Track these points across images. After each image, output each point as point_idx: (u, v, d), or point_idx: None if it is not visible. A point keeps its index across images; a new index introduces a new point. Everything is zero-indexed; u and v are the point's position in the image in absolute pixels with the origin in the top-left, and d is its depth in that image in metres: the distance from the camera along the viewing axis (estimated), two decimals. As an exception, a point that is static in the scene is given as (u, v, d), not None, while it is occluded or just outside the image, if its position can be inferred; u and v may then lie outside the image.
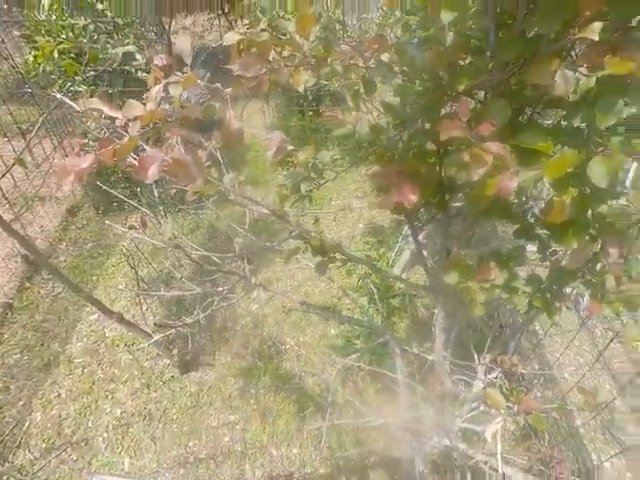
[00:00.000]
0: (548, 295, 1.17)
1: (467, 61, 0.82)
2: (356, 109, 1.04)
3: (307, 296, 3.38)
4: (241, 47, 0.95)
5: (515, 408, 1.03)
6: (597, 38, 0.63)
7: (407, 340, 2.95)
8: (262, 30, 1.09)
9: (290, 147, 1.14)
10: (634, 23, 0.66)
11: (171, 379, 2.78)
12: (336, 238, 3.83)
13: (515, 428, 2.45)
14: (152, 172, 0.54)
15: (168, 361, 2.80)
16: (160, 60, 0.62)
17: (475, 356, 1.74)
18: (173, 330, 1.74)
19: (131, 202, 1.49)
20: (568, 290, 1.26)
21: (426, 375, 2.00)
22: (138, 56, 2.94)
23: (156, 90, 0.59)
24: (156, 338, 1.71)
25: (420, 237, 2.15)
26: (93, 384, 2.76)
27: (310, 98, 4.71)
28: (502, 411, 0.98)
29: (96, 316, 3.10)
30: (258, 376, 2.84)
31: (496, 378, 1.52)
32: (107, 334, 3.03)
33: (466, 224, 1.32)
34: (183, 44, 0.67)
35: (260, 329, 3.16)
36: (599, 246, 0.90)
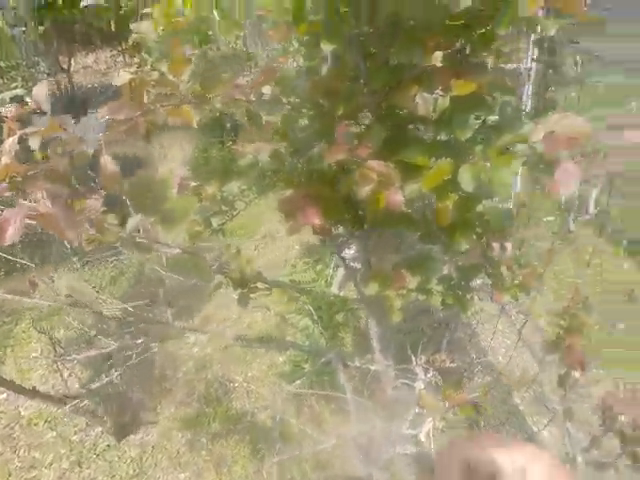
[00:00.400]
0: (459, 291, 1.27)
1: (345, 88, 0.88)
2: (255, 139, 1.06)
3: (250, 327, 3.29)
4: (132, 85, 0.93)
5: (446, 405, 1.09)
6: (440, 64, 0.72)
7: (353, 354, 2.99)
8: (152, 69, 1.08)
9: (194, 183, 1.12)
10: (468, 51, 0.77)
11: (107, 449, 2.49)
12: (268, 265, 3.80)
13: (459, 419, 2.58)
14: (10, 234, 0.49)
15: (100, 429, 2.51)
16: (10, 110, 0.58)
17: (413, 358, 1.81)
18: (96, 394, 1.57)
19: (20, 261, 1.34)
20: (479, 282, 1.38)
21: (372, 386, 2.04)
22: (28, 99, 2.72)
23: (10, 142, 0.54)
24: (70, 405, 1.52)
25: (352, 251, 2.22)
26: (9, 476, 2.36)
27: (229, 127, 4.71)
28: (433, 410, 1.03)
29: (5, 395, 2.69)
30: (207, 423, 2.66)
31: (432, 377, 1.60)
32: (22, 413, 2.64)
33: (380, 237, 1.40)
34: (39, 91, 0.63)
35: (204, 372, 2.98)
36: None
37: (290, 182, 1.01)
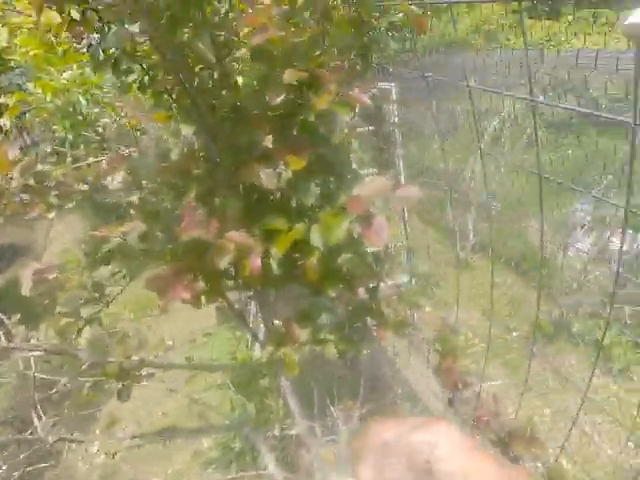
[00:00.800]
0: (350, 336, 1.34)
1: (200, 168, 0.94)
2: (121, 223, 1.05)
3: (165, 415, 2.95)
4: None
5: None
6: (271, 145, 0.83)
7: (284, 418, 2.85)
8: None
9: (56, 273, 1.05)
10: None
11: None
12: (175, 341, 3.55)
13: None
14: None
15: None
16: None
17: (332, 410, 1.80)
18: None
19: None
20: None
21: (298, 450, 1.95)
22: None
23: None
24: None
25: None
26: None
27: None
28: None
29: None
30: None
31: (352, 425, 1.60)
32: None
33: (270, 294, 1.43)
34: None
35: (114, 482, 2.55)
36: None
37: (161, 260, 1.01)
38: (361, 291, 1.06)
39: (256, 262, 0.85)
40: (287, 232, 0.92)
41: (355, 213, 0.71)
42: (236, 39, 0.78)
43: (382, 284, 1.25)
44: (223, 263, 0.82)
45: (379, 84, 3.36)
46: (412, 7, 0.88)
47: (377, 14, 0.93)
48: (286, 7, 1.04)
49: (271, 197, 1.00)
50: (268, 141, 0.83)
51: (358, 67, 1.01)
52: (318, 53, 0.84)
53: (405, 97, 3.83)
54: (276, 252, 0.89)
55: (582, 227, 4.84)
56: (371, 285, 1.14)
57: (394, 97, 3.42)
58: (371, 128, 3.61)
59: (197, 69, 0.81)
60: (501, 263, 4.80)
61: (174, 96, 0.88)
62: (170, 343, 3.37)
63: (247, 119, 0.85)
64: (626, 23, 0.47)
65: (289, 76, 0.76)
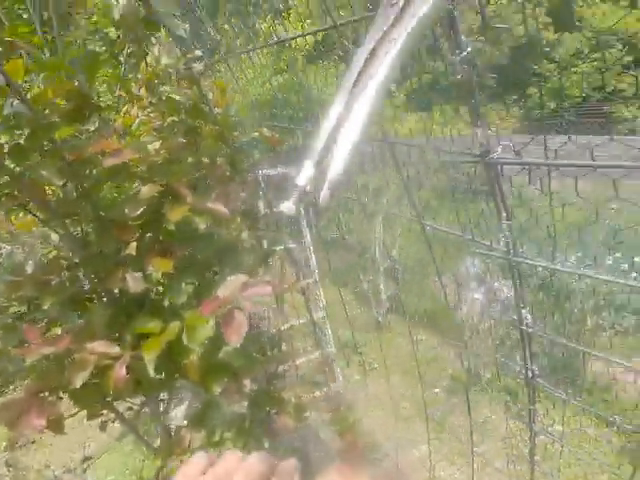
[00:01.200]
0: (251, 429, 1.28)
1: (58, 279, 0.91)
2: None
3: None
4: None
5: None
6: (134, 253, 0.85)
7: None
8: None
9: None
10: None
11: None
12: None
13: None
14: None
15: None
16: None
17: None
18: None
19: None
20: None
21: None
22: None
23: None
24: None
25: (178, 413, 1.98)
26: None
27: None
28: None
29: None
30: None
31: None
32: None
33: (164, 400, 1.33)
34: None
35: None
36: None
37: (13, 383, 0.90)
38: (259, 379, 1.05)
39: (120, 372, 0.81)
40: (160, 334, 0.90)
41: (207, 314, 0.75)
42: (95, 158, 0.83)
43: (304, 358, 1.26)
44: (79, 380, 0.77)
45: (280, 170, 3.67)
46: (265, 129, 1.05)
47: (236, 132, 1.08)
48: (159, 123, 1.15)
49: (144, 299, 1.00)
50: (132, 248, 0.86)
51: (228, 173, 1.13)
52: (180, 167, 0.93)
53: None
54: (149, 356, 0.87)
55: (480, 277, 5.48)
56: (271, 371, 1.14)
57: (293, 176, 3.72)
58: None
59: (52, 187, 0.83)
60: (415, 321, 5.11)
61: (32, 210, 0.88)
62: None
63: (111, 228, 0.88)
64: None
65: (147, 191, 0.82)
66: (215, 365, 1.03)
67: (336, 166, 0.38)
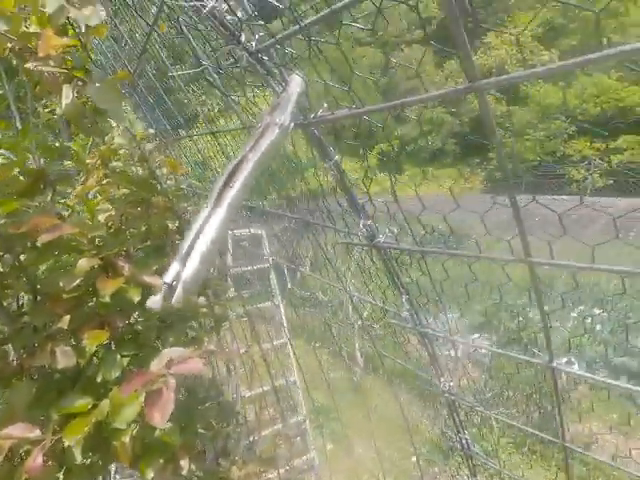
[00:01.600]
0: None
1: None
2: None
3: None
4: None
5: None
6: (66, 327, 0.84)
7: None
8: None
9: None
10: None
11: None
12: None
13: None
14: None
15: None
16: None
17: None
18: None
19: None
20: None
21: None
22: None
23: None
24: None
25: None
26: None
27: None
28: None
29: None
30: None
31: None
32: None
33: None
34: None
35: None
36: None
37: None
38: (208, 458, 0.99)
39: (36, 460, 0.75)
40: (88, 414, 0.86)
41: (128, 393, 0.72)
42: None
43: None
44: (-13, 472, 0.71)
45: (251, 231, 3.75)
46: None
47: (186, 204, 1.14)
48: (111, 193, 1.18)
49: (78, 374, 0.95)
50: (64, 322, 0.84)
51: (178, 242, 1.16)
52: (122, 238, 0.95)
53: (279, 238, 4.26)
54: (70, 440, 0.81)
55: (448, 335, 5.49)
56: (219, 448, 1.07)
57: (265, 240, 3.80)
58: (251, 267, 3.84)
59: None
60: (391, 380, 4.96)
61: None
62: None
63: (45, 301, 0.87)
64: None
65: (84, 264, 0.83)
66: (149, 446, 0.96)
67: (191, 266, 0.41)
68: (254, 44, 0.59)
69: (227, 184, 0.44)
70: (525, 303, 5.99)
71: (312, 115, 0.62)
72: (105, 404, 0.87)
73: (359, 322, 5.14)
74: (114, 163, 1.10)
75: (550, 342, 0.68)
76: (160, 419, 0.71)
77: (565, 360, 0.71)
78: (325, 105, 0.61)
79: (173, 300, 0.40)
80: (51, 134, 1.34)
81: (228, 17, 0.58)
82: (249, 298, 3.79)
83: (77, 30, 0.72)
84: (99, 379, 0.93)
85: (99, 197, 1.21)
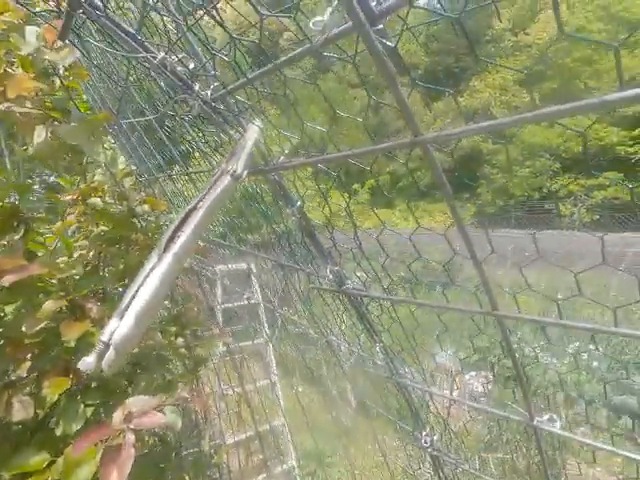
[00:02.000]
0: None
1: None
2: None
3: None
4: None
5: None
6: (25, 374, 0.78)
7: None
8: None
9: None
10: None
11: None
12: None
13: None
14: None
15: None
16: None
17: None
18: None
19: None
20: None
21: None
22: None
23: None
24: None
25: None
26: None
27: None
28: None
29: None
30: None
31: None
32: None
33: None
34: None
35: None
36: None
37: None
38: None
39: (-23, 529, 0.67)
40: (43, 472, 0.78)
41: (81, 450, 0.66)
42: None
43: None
44: None
45: (235, 265, 3.71)
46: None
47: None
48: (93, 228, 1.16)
49: (38, 426, 0.88)
50: (24, 369, 0.79)
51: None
52: (94, 278, 0.92)
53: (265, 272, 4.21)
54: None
55: (447, 373, 5.33)
56: None
57: (254, 272, 3.74)
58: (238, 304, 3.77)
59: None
60: (384, 420, 4.74)
61: None
62: None
63: (4, 347, 0.82)
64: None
65: (49, 306, 0.79)
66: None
67: (124, 326, 0.39)
68: (209, 93, 0.60)
69: (177, 231, 0.42)
70: (521, 338, 5.90)
71: (272, 162, 0.62)
72: (60, 462, 0.80)
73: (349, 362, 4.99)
74: (93, 200, 1.09)
75: (529, 399, 0.64)
76: (117, 479, 0.65)
77: (547, 417, 0.67)
78: (286, 151, 0.61)
79: (103, 363, 0.37)
80: (32, 172, 1.33)
81: (179, 68, 0.60)
82: (236, 334, 3.68)
83: (57, 72, 0.73)
84: (59, 432, 0.86)
85: (77, 235, 1.18)
